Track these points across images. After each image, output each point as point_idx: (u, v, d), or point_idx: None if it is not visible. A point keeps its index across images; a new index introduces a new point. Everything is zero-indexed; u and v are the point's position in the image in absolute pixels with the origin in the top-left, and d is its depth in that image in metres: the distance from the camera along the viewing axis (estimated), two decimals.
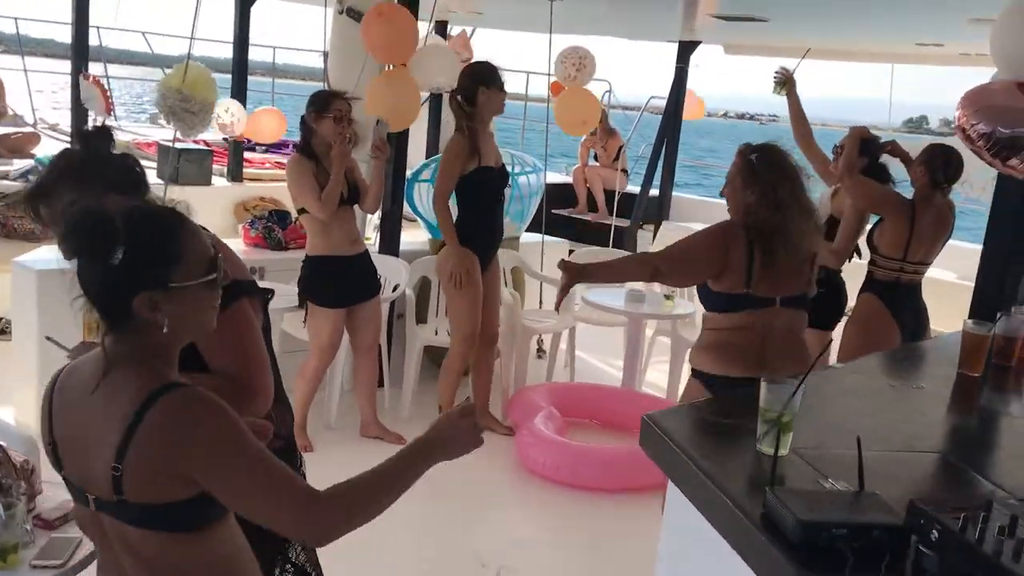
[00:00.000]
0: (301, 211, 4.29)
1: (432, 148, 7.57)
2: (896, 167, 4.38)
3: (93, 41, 7.59)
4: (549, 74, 6.41)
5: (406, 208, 5.65)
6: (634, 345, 5.20)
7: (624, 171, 9.18)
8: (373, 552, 3.53)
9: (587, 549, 3.83)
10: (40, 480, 2.48)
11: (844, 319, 4.36)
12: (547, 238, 6.36)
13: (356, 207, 4.40)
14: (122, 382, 1.48)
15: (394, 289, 5.03)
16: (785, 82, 4.65)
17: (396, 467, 1.58)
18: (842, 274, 4.33)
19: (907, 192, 4.26)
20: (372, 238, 5.60)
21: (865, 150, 4.19)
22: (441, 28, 7.83)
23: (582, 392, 5.24)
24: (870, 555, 1.42)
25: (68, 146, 1.91)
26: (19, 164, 6.73)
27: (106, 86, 6.16)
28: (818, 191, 3.14)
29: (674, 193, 8.98)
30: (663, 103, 8.92)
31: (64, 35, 7.46)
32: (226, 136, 7.06)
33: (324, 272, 4.32)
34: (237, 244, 5.32)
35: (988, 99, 3.24)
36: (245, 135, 7.03)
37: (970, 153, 3.85)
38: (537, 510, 4.27)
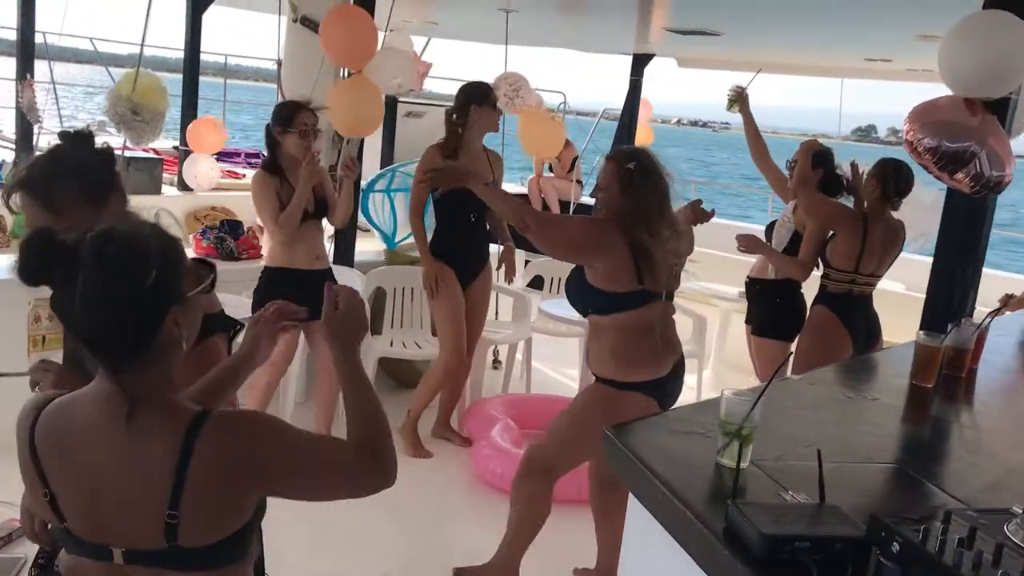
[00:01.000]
0: None
1: (387, 159, 7.53)
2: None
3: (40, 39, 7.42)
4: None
5: (361, 218, 5.60)
6: None
7: (579, 182, 9.24)
8: (330, 567, 3.50)
9: (546, 560, 3.81)
10: None
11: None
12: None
13: (324, 221, 4.32)
14: (143, 422, 1.39)
15: None
16: (738, 99, 4.72)
17: (351, 383, 1.59)
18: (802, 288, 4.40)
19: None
20: (326, 248, 5.54)
21: (819, 163, 4.26)
22: None
23: (538, 403, 5.23)
24: (832, 568, 1.42)
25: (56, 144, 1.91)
26: None
27: (51, 92, 6.04)
28: (683, 200, 3.28)
29: None
30: (617, 112, 8.99)
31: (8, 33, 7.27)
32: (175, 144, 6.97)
33: (281, 285, 4.14)
34: (188, 254, 5.21)
35: (935, 114, 3.31)
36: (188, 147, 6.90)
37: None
38: (495, 521, 4.24)
